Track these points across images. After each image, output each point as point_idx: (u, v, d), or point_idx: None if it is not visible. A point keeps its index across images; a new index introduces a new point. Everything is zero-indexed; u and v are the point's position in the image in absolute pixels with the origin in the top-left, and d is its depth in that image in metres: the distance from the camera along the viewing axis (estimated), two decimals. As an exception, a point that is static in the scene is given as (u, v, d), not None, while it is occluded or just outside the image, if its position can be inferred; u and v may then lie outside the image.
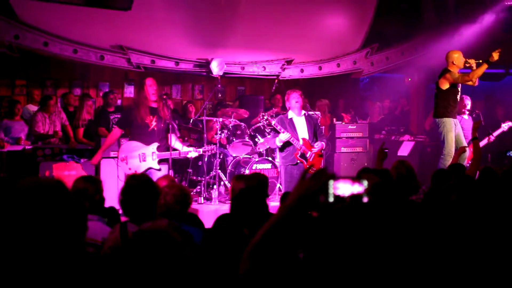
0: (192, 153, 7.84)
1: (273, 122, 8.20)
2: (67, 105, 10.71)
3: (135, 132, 7.47)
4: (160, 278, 2.34)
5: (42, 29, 9.57)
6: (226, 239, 3.06)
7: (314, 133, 8.43)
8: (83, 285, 2.25)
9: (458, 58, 8.90)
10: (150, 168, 7.39)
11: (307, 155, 8.18)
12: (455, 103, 8.98)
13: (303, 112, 8.50)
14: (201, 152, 8.11)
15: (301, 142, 8.17)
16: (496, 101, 12.88)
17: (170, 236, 2.47)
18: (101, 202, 4.55)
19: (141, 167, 7.30)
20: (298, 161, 8.16)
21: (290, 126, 8.26)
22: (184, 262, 2.43)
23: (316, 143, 8.24)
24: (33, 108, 10.36)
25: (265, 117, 8.28)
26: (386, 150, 6.29)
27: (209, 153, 8.51)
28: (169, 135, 7.56)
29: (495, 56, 8.77)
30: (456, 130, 8.98)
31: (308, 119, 8.46)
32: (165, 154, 7.46)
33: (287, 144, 8.18)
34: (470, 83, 8.96)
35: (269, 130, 9.80)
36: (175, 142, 7.67)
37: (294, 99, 8.31)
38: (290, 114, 8.36)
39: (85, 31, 9.92)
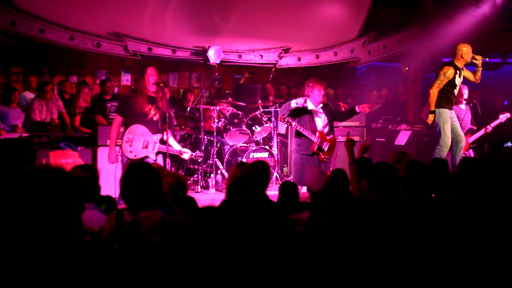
0: (186, 154, 7.77)
1: (293, 124, 8.17)
2: (63, 93, 10.68)
3: (133, 121, 7.33)
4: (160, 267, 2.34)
5: (39, 16, 9.53)
6: (206, 224, 3.07)
7: (332, 122, 8.47)
8: (82, 271, 2.26)
9: (467, 52, 8.88)
10: (147, 156, 7.33)
11: (323, 146, 8.21)
12: (453, 94, 8.97)
13: (320, 104, 8.47)
14: (192, 156, 7.97)
15: (317, 135, 8.18)
16: (494, 90, 12.88)
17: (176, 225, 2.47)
18: (98, 190, 4.54)
19: (140, 153, 7.22)
20: (314, 153, 8.19)
21: (309, 119, 8.24)
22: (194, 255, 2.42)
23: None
24: (30, 95, 10.33)
25: (286, 119, 8.16)
26: (352, 137, 6.39)
27: (198, 159, 8.40)
28: (165, 125, 7.50)
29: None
30: (452, 120, 8.98)
31: (325, 109, 8.43)
32: (164, 148, 7.38)
33: (303, 134, 8.21)
34: (472, 79, 9.04)
35: (266, 118, 9.80)
36: (168, 138, 7.61)
37: (320, 92, 8.24)
38: (310, 105, 8.29)
39: (82, 18, 9.88)
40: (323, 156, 8.23)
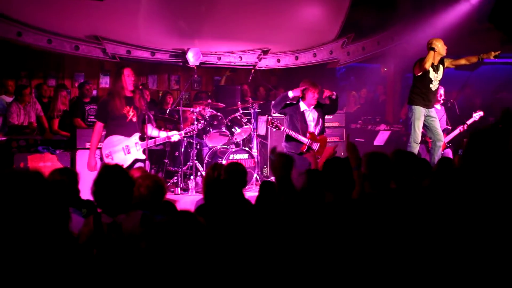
0: (175, 136, 7.72)
1: (282, 128, 8.25)
2: (41, 96, 10.61)
3: (113, 123, 7.22)
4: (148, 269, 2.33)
5: (16, 19, 9.44)
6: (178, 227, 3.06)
7: (324, 122, 8.54)
8: (64, 275, 2.25)
9: (440, 47, 8.84)
10: (136, 159, 7.27)
11: (313, 147, 8.22)
12: (427, 90, 8.82)
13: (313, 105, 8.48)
14: (183, 135, 7.98)
15: (307, 136, 8.20)
16: (472, 90, 13.00)
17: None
18: (77, 194, 4.52)
19: (127, 160, 7.11)
20: (302, 152, 8.21)
21: (301, 119, 8.26)
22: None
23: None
24: (7, 99, 10.24)
25: (274, 124, 8.25)
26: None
27: (191, 134, 8.40)
28: (145, 125, 7.45)
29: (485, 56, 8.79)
30: (430, 119, 8.95)
31: (318, 109, 8.46)
32: (149, 143, 7.34)
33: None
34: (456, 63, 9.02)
35: (246, 120, 9.81)
36: (152, 131, 7.55)
37: (314, 96, 8.27)
38: (302, 106, 8.35)
39: (60, 21, 9.81)
40: (310, 158, 8.25)
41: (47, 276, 2.20)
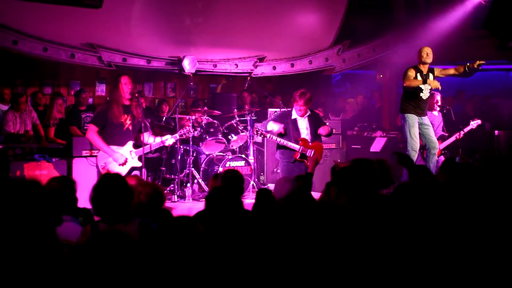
0: (169, 140, 7.72)
1: (268, 136, 8.23)
2: (36, 104, 10.59)
3: (110, 132, 7.24)
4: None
5: (11, 27, 9.45)
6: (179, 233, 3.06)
7: (316, 131, 8.42)
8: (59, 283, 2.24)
9: (428, 56, 8.87)
10: (132, 168, 7.26)
11: (307, 153, 8.16)
12: (417, 99, 8.84)
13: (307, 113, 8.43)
14: (177, 137, 7.99)
15: (298, 143, 8.16)
16: (467, 97, 13.02)
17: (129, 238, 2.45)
18: (75, 202, 4.50)
19: (124, 170, 7.13)
20: (297, 160, 8.18)
21: (293, 126, 8.23)
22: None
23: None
24: (3, 107, 10.21)
25: (259, 132, 8.25)
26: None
27: (185, 137, 8.39)
28: (141, 134, 7.45)
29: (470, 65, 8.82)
30: (424, 127, 8.95)
31: (311, 118, 8.40)
32: (145, 149, 7.33)
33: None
34: (449, 73, 9.04)
35: (242, 127, 9.80)
36: (148, 139, 7.56)
37: (299, 109, 8.22)
38: (294, 114, 8.32)
39: (55, 29, 9.82)
40: (308, 163, 8.20)
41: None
